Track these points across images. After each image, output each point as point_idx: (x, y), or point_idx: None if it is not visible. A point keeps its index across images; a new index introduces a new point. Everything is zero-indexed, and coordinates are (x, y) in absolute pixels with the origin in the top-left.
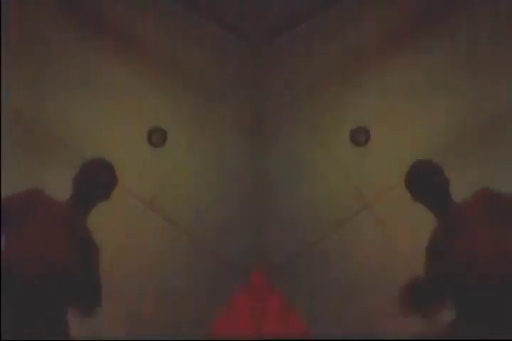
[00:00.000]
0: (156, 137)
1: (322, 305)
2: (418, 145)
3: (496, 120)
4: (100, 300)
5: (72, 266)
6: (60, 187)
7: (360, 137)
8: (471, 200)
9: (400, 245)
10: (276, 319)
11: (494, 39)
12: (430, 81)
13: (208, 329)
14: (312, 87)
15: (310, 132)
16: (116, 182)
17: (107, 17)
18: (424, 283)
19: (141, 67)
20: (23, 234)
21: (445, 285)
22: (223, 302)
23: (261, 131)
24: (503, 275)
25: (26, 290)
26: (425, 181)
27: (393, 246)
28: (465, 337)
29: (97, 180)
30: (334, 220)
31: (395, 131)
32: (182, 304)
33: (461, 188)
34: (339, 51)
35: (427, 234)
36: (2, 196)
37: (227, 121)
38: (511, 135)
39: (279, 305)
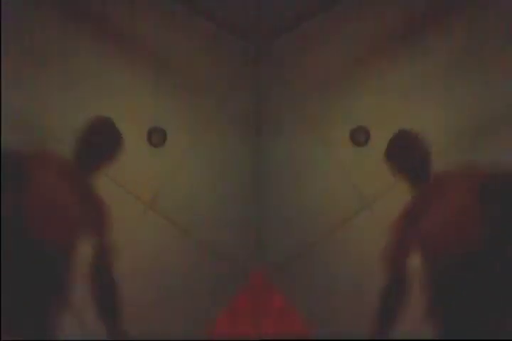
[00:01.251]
0: (156, 137)
1: (322, 305)
2: None
3: (496, 121)
4: None
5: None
6: None
7: (360, 137)
8: (454, 171)
9: None
10: (276, 319)
11: (495, 39)
12: (430, 81)
13: (208, 329)
14: (312, 87)
15: (310, 132)
16: (121, 145)
17: (107, 17)
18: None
19: (141, 67)
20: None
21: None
22: (223, 303)
23: (261, 131)
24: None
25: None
26: (406, 151)
27: None
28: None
29: (101, 140)
30: (334, 220)
31: (395, 131)
32: (182, 304)
33: None
34: (339, 51)
35: None
36: None
37: (227, 121)
38: (510, 136)
39: (279, 305)
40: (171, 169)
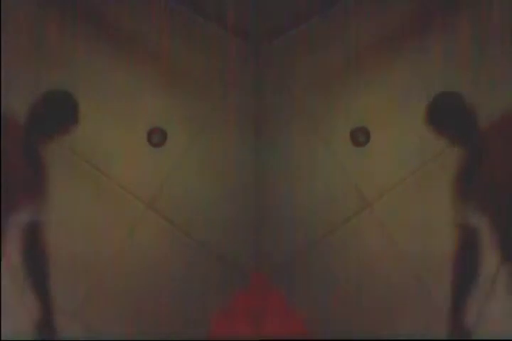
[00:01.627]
0: (156, 137)
1: (322, 305)
2: (418, 146)
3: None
4: None
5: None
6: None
7: (360, 137)
8: (498, 123)
9: (400, 245)
10: (276, 319)
11: (495, 40)
12: (430, 81)
13: (208, 329)
14: (312, 86)
15: (310, 132)
16: (76, 120)
17: (107, 17)
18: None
19: (141, 67)
20: None
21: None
22: (223, 303)
23: (261, 131)
24: None
25: None
26: (449, 113)
27: (393, 246)
28: None
29: (56, 111)
30: (334, 220)
31: (395, 131)
32: (182, 304)
33: None
34: (339, 51)
35: (428, 233)
36: None
37: (227, 121)
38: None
39: (279, 305)
40: (171, 169)
